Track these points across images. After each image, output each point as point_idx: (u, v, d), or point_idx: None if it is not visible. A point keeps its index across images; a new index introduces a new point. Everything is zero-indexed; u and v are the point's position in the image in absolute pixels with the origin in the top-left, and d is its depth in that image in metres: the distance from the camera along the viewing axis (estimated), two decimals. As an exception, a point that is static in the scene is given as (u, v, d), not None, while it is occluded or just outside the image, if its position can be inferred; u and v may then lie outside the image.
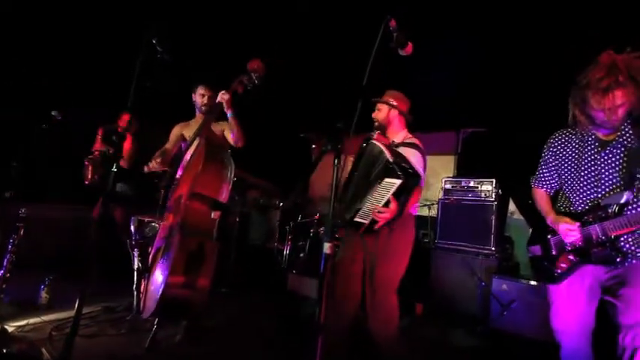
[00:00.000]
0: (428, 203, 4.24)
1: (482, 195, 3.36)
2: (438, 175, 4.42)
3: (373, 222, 1.76)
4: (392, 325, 1.91)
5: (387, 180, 1.72)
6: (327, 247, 1.00)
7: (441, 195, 3.61)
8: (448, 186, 3.59)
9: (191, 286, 1.94)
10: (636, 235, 1.42)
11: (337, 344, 1.82)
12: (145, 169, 2.45)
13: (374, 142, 1.90)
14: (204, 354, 2.04)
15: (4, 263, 2.36)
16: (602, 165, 1.47)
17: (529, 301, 2.76)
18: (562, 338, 1.52)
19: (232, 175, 2.17)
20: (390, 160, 1.72)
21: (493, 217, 3.22)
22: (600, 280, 1.48)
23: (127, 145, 3.46)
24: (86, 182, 2.94)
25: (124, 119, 3.38)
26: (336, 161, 1.10)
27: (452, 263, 3.29)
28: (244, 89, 2.33)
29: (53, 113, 2.58)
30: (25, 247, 2.44)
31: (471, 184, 3.45)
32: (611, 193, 1.43)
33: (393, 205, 1.71)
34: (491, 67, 3.67)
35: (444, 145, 4.89)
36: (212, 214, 2.10)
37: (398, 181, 1.68)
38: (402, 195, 1.73)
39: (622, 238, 1.41)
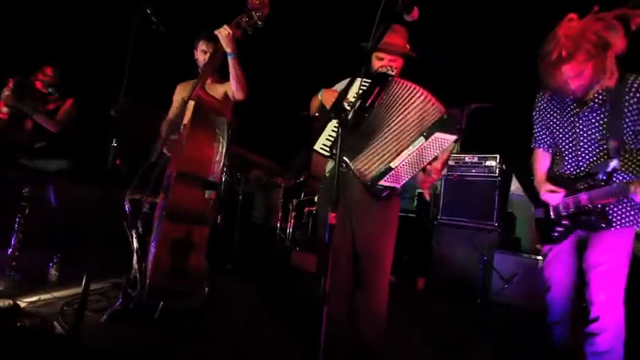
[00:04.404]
0: (431, 180, 4.22)
1: (486, 171, 3.33)
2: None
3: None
4: None
5: (438, 135, 1.37)
6: (330, 217, 1.00)
7: (444, 171, 3.58)
8: (452, 162, 3.56)
9: (179, 273, 1.87)
10: (620, 211, 1.46)
11: None
12: (165, 150, 2.03)
13: (407, 85, 1.49)
14: (210, 327, 2.09)
15: (12, 242, 2.41)
16: (580, 126, 1.51)
17: (529, 274, 2.80)
18: (550, 285, 1.67)
19: (226, 142, 1.92)
20: (443, 111, 1.40)
21: (496, 193, 3.22)
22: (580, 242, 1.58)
23: (66, 106, 2.84)
24: None
25: (47, 73, 2.79)
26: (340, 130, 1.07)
27: (454, 239, 3.31)
28: (244, 34, 1.82)
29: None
30: (32, 226, 2.47)
31: (475, 159, 3.42)
32: (594, 155, 1.47)
33: (439, 164, 1.44)
34: (494, 43, 3.55)
35: (448, 122, 4.81)
36: (206, 194, 1.90)
37: (453, 137, 1.38)
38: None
39: (607, 209, 1.47)
